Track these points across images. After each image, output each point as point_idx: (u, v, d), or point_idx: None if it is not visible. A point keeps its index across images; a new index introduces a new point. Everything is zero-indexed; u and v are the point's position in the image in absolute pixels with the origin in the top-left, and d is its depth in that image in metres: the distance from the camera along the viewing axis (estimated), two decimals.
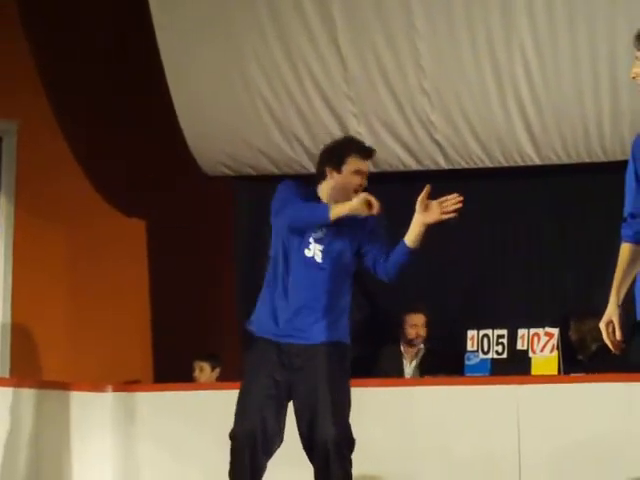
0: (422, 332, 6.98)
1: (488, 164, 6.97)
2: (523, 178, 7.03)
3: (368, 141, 6.92)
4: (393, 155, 7.01)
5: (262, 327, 4.38)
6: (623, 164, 6.55)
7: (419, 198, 4.28)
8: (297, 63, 6.79)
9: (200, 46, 6.82)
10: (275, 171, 7.19)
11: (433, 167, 7.05)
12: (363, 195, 4.26)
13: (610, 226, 6.85)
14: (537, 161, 6.88)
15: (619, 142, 6.66)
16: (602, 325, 3.63)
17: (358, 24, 6.64)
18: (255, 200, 7.30)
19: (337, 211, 4.25)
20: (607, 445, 5.53)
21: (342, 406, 4.27)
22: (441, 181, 7.11)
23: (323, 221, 4.27)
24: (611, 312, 3.64)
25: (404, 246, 4.31)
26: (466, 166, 7.01)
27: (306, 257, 4.34)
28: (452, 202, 4.26)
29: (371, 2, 6.58)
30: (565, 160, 6.85)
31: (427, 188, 4.26)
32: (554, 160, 6.86)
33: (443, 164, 7.02)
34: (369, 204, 4.22)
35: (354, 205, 4.23)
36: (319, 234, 4.36)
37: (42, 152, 7.34)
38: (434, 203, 4.27)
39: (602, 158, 6.77)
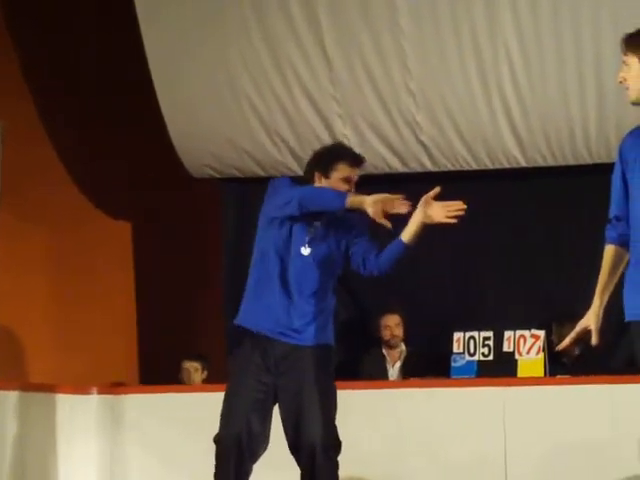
0: (397, 332, 6.99)
1: (474, 166, 6.98)
2: (509, 180, 7.04)
3: (353, 142, 6.96)
4: (378, 157, 7.01)
5: (258, 322, 4.33)
6: (609, 166, 6.57)
7: (424, 197, 4.22)
8: (283, 64, 6.79)
9: (186, 48, 6.81)
10: (261, 173, 7.19)
11: (419, 169, 7.06)
12: (384, 197, 4.16)
13: (596, 228, 6.88)
14: (523, 163, 6.89)
15: (605, 144, 6.67)
16: (578, 328, 3.64)
17: (344, 25, 6.64)
18: (242, 202, 7.29)
19: (355, 200, 4.15)
20: (593, 447, 5.55)
21: (328, 409, 4.26)
22: (426, 183, 7.15)
23: (338, 206, 4.18)
24: (590, 317, 3.64)
25: (400, 242, 4.27)
26: (452, 168, 7.01)
27: (303, 255, 4.32)
28: (456, 208, 4.20)
29: (357, 4, 6.58)
30: (551, 162, 6.86)
31: (436, 189, 4.21)
32: (540, 162, 6.87)
33: (429, 166, 7.03)
34: (386, 208, 4.13)
35: (370, 201, 4.13)
36: (309, 235, 4.34)
37: (27, 154, 7.31)
38: (438, 205, 4.22)
39: (588, 160, 6.79)
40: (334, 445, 4.23)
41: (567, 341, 3.68)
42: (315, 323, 4.29)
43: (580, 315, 6.45)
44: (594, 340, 3.62)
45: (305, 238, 4.32)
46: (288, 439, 4.26)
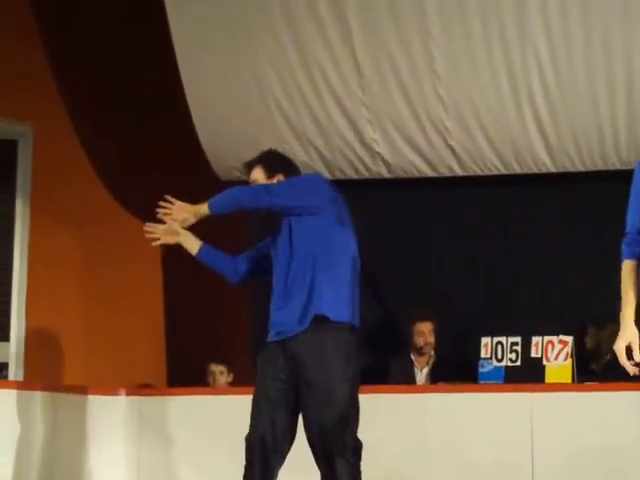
0: (430, 339, 6.96)
1: (503, 171, 6.96)
2: (538, 185, 7.02)
3: (382, 147, 6.97)
4: (407, 161, 7.01)
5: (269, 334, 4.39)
6: None
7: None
8: (312, 69, 6.79)
9: (216, 51, 6.82)
10: None
11: (447, 173, 7.05)
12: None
13: (623, 234, 6.85)
14: (552, 168, 6.86)
15: (635, 149, 6.64)
16: (620, 347, 3.56)
17: (373, 30, 6.64)
18: None
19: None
20: (620, 453, 5.52)
21: (347, 409, 4.18)
22: (456, 188, 7.16)
23: None
24: (631, 334, 3.55)
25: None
26: (480, 173, 7.00)
27: (276, 256, 4.44)
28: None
29: (386, 8, 6.57)
30: (580, 167, 6.83)
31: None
32: (569, 167, 6.85)
33: (457, 170, 7.02)
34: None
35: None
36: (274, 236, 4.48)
37: (57, 154, 7.37)
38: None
39: (617, 165, 6.76)
40: (355, 448, 4.17)
41: (637, 357, 3.59)
42: (297, 309, 4.25)
43: (614, 318, 6.41)
44: (637, 357, 3.55)
45: (276, 239, 4.46)
46: (309, 441, 4.22)
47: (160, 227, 4.66)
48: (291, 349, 4.25)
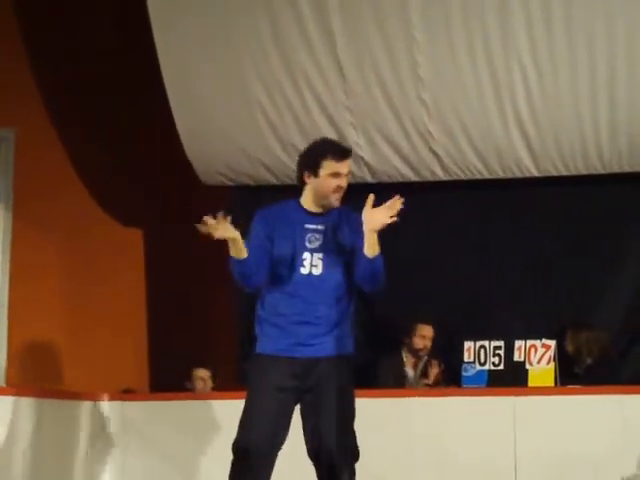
0: (429, 344, 6.98)
1: (486, 175, 6.97)
2: (520, 190, 7.03)
3: (366, 151, 6.97)
4: (391, 166, 7.02)
5: (271, 345, 4.30)
6: (621, 177, 6.55)
7: (364, 209, 4.17)
8: (296, 74, 6.80)
9: (200, 59, 6.81)
10: (273, 181, 7.20)
11: (431, 178, 7.06)
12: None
13: (608, 236, 6.88)
14: (535, 173, 6.88)
15: (617, 155, 6.66)
16: None
17: (357, 35, 6.65)
18: (253, 210, 7.28)
19: (231, 250, 4.34)
20: (602, 457, 5.55)
21: (348, 417, 4.23)
22: (439, 192, 7.17)
23: (236, 266, 4.31)
24: None
25: (364, 257, 4.20)
26: (464, 177, 7.01)
27: (302, 275, 4.27)
28: (394, 207, 4.16)
29: (370, 13, 6.59)
30: (563, 172, 6.85)
31: (371, 197, 4.17)
32: (552, 172, 6.87)
33: (441, 175, 7.03)
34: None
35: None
36: (314, 244, 4.31)
37: (39, 160, 7.34)
38: (378, 210, 4.16)
39: (600, 170, 6.77)
40: (353, 452, 4.22)
41: None
42: (333, 333, 4.26)
43: (591, 323, 6.42)
44: None
45: (302, 257, 4.28)
46: (308, 445, 4.23)
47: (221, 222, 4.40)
48: (305, 363, 4.26)
